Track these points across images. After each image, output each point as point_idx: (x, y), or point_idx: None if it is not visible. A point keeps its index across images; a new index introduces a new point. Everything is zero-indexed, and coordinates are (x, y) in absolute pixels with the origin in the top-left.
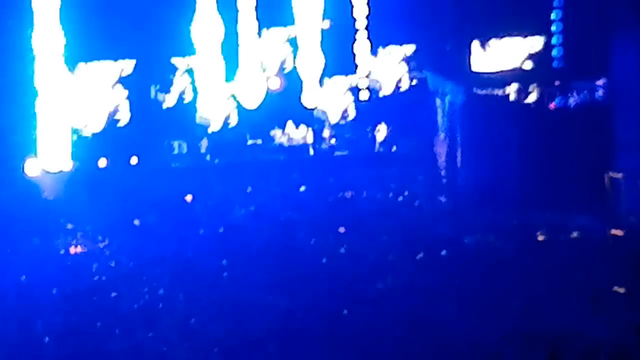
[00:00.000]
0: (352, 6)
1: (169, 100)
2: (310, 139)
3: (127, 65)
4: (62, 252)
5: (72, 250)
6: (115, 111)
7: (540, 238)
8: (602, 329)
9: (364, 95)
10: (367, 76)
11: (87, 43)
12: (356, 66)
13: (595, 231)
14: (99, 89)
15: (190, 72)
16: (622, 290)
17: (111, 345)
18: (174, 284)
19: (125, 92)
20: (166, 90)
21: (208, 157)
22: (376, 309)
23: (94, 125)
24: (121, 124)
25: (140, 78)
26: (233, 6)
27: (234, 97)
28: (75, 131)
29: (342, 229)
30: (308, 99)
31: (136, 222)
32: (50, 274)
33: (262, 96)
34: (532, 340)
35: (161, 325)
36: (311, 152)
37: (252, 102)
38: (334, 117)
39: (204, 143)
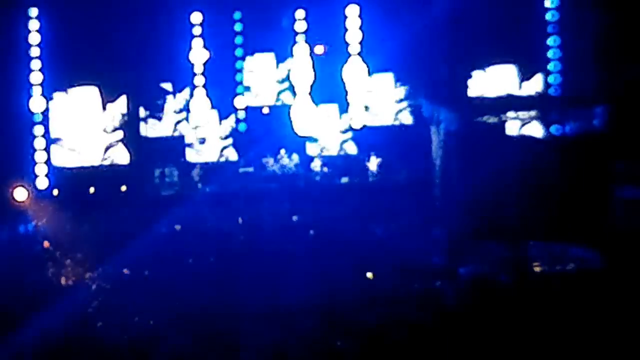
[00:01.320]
0: (346, 31)
1: (160, 127)
2: (302, 168)
3: (115, 90)
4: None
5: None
6: (105, 138)
7: (537, 269)
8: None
9: (357, 124)
10: (360, 104)
11: (74, 67)
12: (348, 93)
13: (592, 262)
14: (86, 114)
15: (182, 97)
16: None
17: None
18: (161, 315)
19: (115, 117)
20: (157, 116)
21: (199, 185)
22: (367, 341)
23: (81, 151)
24: (111, 151)
25: (129, 103)
26: (220, 30)
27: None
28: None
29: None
30: (300, 127)
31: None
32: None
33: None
34: None
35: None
36: (303, 181)
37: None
38: (326, 146)
39: (197, 171)
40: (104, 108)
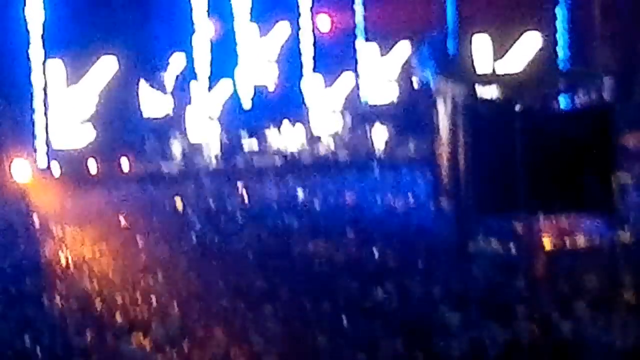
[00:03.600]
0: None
1: (162, 103)
2: (307, 143)
3: (118, 61)
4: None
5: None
6: (105, 111)
7: (546, 243)
8: (612, 338)
9: (364, 97)
10: (368, 76)
11: (75, 38)
12: (356, 65)
13: (602, 236)
14: (88, 87)
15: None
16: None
17: None
18: (167, 293)
19: (117, 89)
20: (159, 91)
21: (204, 161)
22: (375, 317)
23: (83, 124)
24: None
25: (131, 75)
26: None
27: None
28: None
29: None
30: (307, 101)
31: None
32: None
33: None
34: (540, 351)
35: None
36: (308, 156)
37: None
38: (331, 120)
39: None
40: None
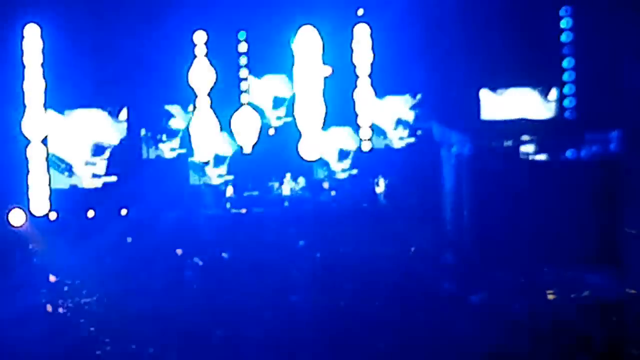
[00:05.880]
0: (352, 52)
1: (162, 150)
2: (309, 191)
3: (117, 113)
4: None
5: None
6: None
7: (551, 297)
8: None
9: (366, 146)
10: (369, 126)
11: (77, 89)
12: (357, 116)
13: (608, 290)
14: (89, 137)
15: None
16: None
17: None
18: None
19: (116, 140)
20: (159, 139)
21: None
22: None
23: (83, 173)
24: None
25: (132, 126)
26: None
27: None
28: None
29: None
30: (307, 150)
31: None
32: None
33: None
34: None
35: None
36: (310, 205)
37: (249, 148)
38: (334, 169)
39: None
40: (105, 130)
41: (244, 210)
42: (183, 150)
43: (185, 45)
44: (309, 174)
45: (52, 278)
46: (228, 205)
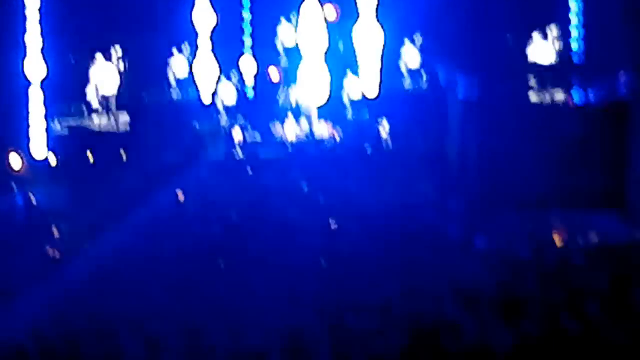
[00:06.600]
0: None
1: (163, 92)
2: (311, 136)
3: (118, 56)
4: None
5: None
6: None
7: (557, 240)
8: (625, 336)
9: (371, 91)
10: (374, 70)
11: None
12: (361, 59)
13: (616, 234)
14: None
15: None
16: None
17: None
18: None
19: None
20: (160, 83)
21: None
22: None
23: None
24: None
25: (133, 69)
26: None
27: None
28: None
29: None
30: (312, 95)
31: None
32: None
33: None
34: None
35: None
36: (313, 149)
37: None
38: (338, 115)
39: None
40: (105, 73)
41: (245, 156)
42: (185, 94)
43: None
44: (314, 119)
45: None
46: (232, 150)
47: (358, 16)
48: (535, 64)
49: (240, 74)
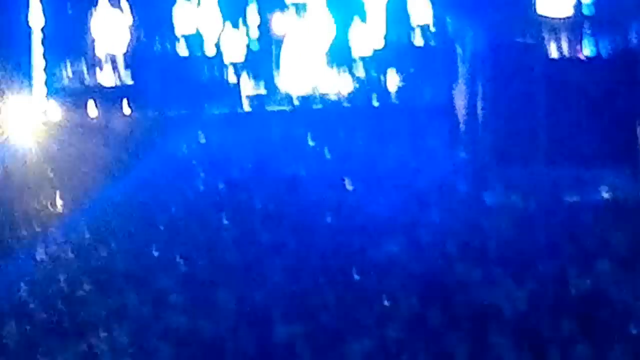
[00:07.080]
0: None
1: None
2: (318, 89)
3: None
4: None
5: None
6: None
7: (567, 196)
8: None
9: (378, 43)
10: (381, 21)
11: None
12: (368, 9)
13: (627, 188)
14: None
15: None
16: None
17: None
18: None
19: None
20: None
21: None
22: (386, 271)
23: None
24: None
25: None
26: None
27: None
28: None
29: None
30: (318, 47)
31: None
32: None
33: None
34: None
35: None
36: (320, 103)
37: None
38: (345, 68)
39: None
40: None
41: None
42: (189, 46)
43: None
44: (319, 71)
45: None
46: (237, 102)
47: None
48: (544, 16)
49: (246, 25)
